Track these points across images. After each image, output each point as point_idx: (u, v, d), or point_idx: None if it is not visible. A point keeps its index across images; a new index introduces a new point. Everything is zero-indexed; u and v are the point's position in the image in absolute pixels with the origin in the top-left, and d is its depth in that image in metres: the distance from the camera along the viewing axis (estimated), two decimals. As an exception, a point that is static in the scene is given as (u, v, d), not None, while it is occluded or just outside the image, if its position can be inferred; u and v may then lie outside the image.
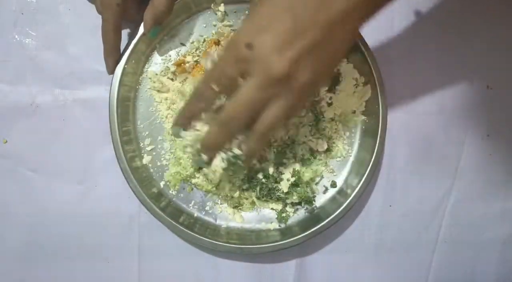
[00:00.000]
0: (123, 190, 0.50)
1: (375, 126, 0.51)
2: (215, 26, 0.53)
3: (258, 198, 0.51)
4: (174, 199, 0.52)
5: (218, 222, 0.52)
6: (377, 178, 0.55)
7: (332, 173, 0.53)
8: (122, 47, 0.49)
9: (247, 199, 0.51)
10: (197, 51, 0.52)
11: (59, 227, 0.52)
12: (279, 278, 0.53)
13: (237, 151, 0.41)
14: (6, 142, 0.52)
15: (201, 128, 0.41)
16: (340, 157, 0.53)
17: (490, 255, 0.56)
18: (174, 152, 0.51)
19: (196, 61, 0.51)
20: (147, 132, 0.52)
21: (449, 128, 0.56)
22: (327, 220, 0.49)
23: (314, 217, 0.52)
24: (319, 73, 0.37)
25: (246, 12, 0.52)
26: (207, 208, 0.52)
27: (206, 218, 0.52)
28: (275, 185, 0.50)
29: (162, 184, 0.51)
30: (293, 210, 0.52)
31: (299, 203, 0.52)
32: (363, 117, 0.53)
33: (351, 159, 0.53)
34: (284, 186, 0.50)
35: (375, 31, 0.53)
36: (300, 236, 0.49)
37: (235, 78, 0.37)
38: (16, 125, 0.52)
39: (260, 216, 0.52)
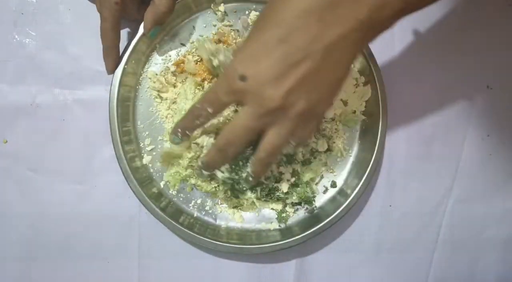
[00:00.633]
0: (123, 190, 0.50)
1: (375, 126, 0.51)
2: (215, 26, 0.53)
3: (258, 198, 0.51)
4: (174, 199, 0.52)
5: (218, 222, 0.52)
6: (377, 178, 0.55)
7: (332, 173, 0.53)
8: (122, 47, 0.49)
9: (247, 199, 0.51)
10: (197, 51, 0.52)
11: (59, 227, 0.52)
12: (279, 278, 0.53)
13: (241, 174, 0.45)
14: (6, 141, 0.52)
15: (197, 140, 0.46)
16: (340, 157, 0.53)
17: (490, 255, 0.56)
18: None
19: (196, 61, 0.51)
20: (147, 133, 0.52)
21: (449, 128, 0.56)
22: (327, 220, 0.49)
23: (314, 217, 0.52)
24: (316, 100, 0.36)
25: (246, 12, 0.53)
26: (207, 208, 0.52)
27: (206, 218, 0.52)
28: (275, 184, 0.50)
29: (162, 184, 0.51)
30: (293, 210, 0.52)
31: (299, 203, 0.52)
32: (363, 117, 0.53)
33: (351, 159, 0.53)
34: (284, 187, 0.50)
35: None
36: (300, 236, 0.49)
37: (229, 105, 0.39)
38: (16, 125, 0.52)
39: (260, 216, 0.52)
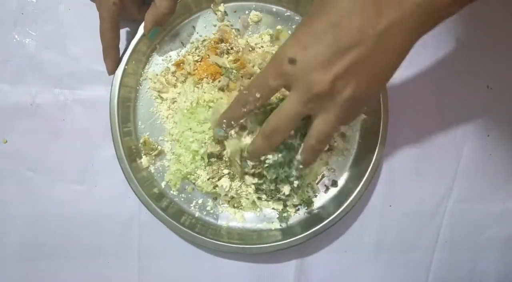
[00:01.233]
0: (123, 190, 0.50)
1: (375, 126, 0.51)
2: (215, 26, 0.53)
3: (259, 198, 0.51)
4: (175, 199, 0.52)
5: (219, 222, 0.52)
6: (377, 177, 0.55)
7: (333, 172, 0.53)
8: (122, 48, 0.49)
9: (248, 199, 0.51)
10: (197, 51, 0.52)
11: (59, 227, 0.52)
12: (279, 278, 0.53)
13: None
14: (6, 142, 0.52)
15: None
16: (341, 156, 0.53)
17: (490, 255, 0.56)
18: (174, 152, 0.51)
19: (196, 61, 0.51)
20: (148, 133, 0.52)
21: (449, 128, 0.56)
22: (328, 220, 0.49)
23: (315, 217, 0.52)
24: (365, 88, 0.36)
25: (246, 11, 0.53)
26: (208, 208, 0.52)
27: (208, 218, 0.52)
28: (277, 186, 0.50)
29: (163, 184, 0.51)
30: (294, 209, 0.52)
31: (300, 204, 0.52)
32: (363, 117, 0.53)
33: (352, 158, 0.53)
34: (285, 189, 0.50)
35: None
36: (301, 235, 0.49)
37: (277, 90, 0.38)
38: (16, 125, 0.52)
39: (261, 216, 0.52)
